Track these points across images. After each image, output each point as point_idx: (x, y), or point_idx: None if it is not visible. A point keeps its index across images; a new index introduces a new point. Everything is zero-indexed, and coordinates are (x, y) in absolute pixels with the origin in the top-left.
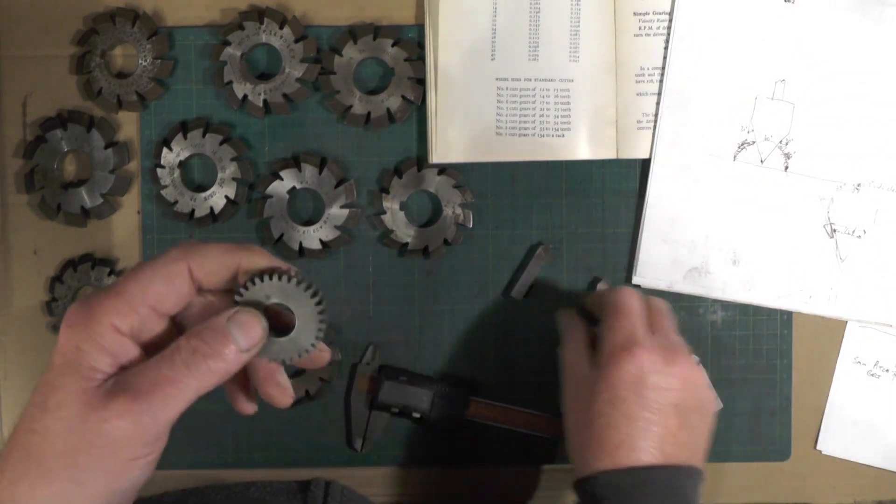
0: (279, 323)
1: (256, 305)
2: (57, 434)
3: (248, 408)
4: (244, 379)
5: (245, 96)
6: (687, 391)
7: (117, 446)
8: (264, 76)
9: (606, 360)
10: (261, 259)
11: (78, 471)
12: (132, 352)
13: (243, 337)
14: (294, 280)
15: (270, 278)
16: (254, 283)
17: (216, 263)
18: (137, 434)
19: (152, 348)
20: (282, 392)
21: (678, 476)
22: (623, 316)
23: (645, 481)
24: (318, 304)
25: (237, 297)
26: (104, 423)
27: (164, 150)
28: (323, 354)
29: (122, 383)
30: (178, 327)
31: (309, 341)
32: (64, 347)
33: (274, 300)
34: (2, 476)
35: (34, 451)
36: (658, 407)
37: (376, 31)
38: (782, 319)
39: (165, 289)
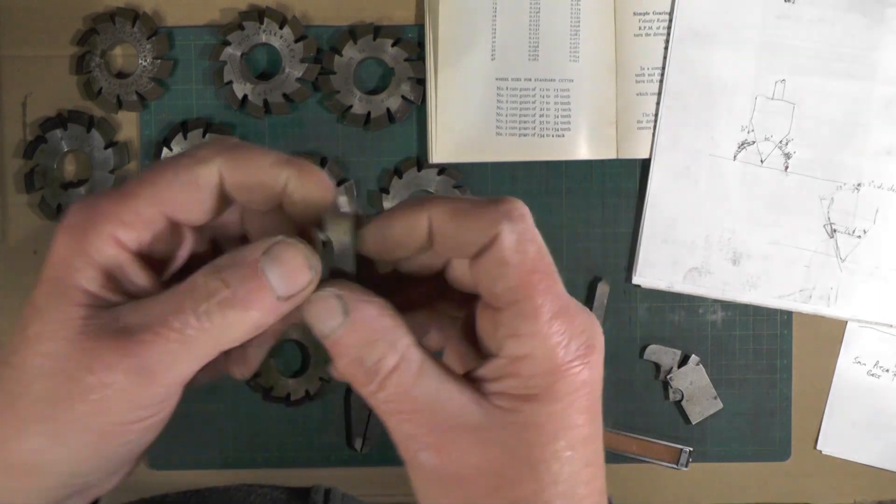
0: None
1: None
2: (35, 374)
3: (241, 371)
4: None
5: (245, 96)
6: None
7: (106, 405)
8: (264, 76)
9: (549, 376)
10: (316, 188)
11: (58, 426)
12: (139, 278)
13: (283, 280)
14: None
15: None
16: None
17: (256, 177)
18: (131, 394)
19: (174, 278)
20: (245, 362)
21: None
22: (547, 277)
23: None
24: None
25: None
26: (90, 374)
27: (164, 150)
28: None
29: (116, 323)
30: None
31: None
32: (54, 259)
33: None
34: None
35: (8, 392)
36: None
37: (376, 31)
38: (782, 319)
39: (186, 196)
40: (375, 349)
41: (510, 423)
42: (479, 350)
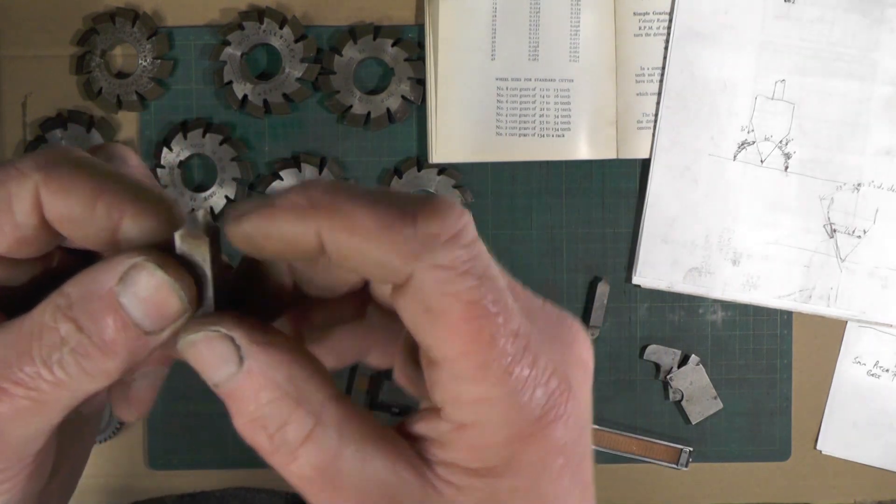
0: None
1: (174, 252)
2: None
3: (128, 413)
4: None
5: (245, 96)
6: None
7: None
8: (264, 76)
9: (508, 446)
10: (160, 224)
11: None
12: None
13: (149, 313)
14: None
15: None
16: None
17: (81, 208)
18: None
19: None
20: (129, 402)
21: None
22: (494, 316)
23: None
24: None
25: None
26: None
27: (165, 150)
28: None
29: None
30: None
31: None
32: None
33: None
34: None
35: None
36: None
37: (376, 31)
38: (782, 319)
39: None
40: (280, 411)
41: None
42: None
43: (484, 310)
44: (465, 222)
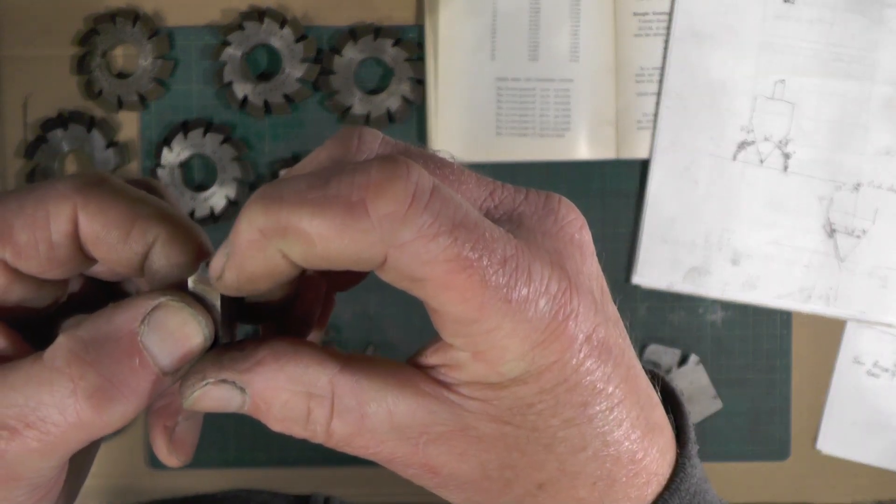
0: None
1: (188, 293)
2: None
3: (174, 458)
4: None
5: (245, 96)
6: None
7: None
8: (264, 76)
9: (521, 360)
10: (187, 253)
11: None
12: None
13: (170, 355)
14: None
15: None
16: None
17: (117, 230)
18: None
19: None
20: (173, 447)
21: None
22: (477, 258)
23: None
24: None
25: (191, 283)
26: None
27: (165, 150)
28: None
29: None
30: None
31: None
32: None
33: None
34: None
35: None
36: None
37: (376, 31)
38: (782, 319)
39: (28, 238)
40: (297, 406)
41: (496, 414)
42: None
43: (466, 261)
44: (416, 182)
